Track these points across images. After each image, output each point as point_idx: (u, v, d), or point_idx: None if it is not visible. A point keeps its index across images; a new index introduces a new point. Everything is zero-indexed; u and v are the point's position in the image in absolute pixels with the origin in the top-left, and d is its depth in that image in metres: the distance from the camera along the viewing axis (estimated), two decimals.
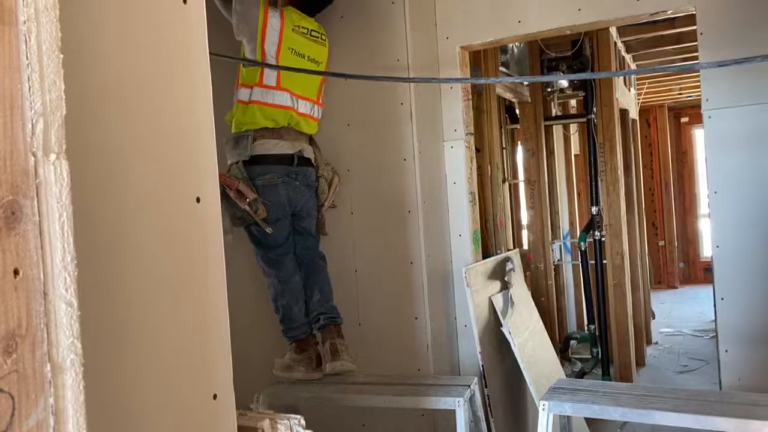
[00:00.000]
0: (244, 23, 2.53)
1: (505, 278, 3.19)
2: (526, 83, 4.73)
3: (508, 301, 3.06)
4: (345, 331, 2.67)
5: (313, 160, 2.76)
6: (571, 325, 5.82)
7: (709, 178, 2.57)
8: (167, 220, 0.98)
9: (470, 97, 3.17)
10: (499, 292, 3.13)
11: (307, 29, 2.69)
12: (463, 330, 3.03)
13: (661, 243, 8.80)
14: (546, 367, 3.17)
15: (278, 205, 2.57)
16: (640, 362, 5.32)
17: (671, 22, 4.87)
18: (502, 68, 4.30)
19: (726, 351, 2.49)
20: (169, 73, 1.00)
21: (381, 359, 2.84)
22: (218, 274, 1.06)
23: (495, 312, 3.01)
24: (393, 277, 2.88)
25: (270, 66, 2.53)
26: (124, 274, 0.90)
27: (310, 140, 2.79)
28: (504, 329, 2.93)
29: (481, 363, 2.79)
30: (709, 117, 2.52)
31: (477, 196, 3.22)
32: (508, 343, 2.92)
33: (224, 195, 2.40)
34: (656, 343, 6.05)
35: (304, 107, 2.67)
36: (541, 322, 3.42)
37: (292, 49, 2.61)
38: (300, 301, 2.66)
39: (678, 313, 7.25)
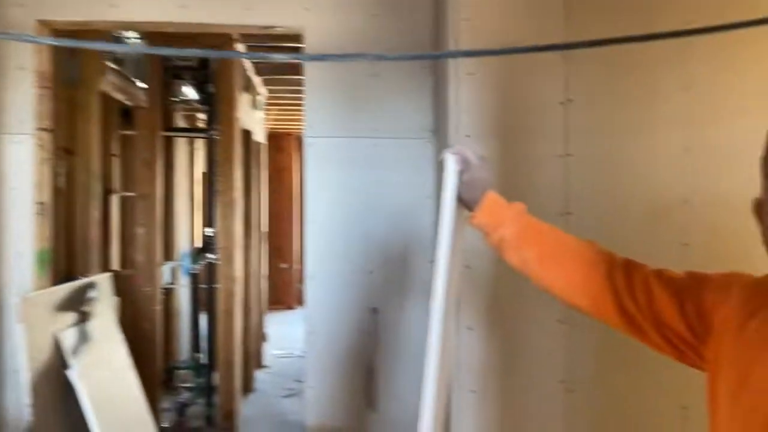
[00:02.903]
0: None
1: (84, 308, 2.67)
2: (143, 86, 4.26)
3: (84, 337, 2.55)
4: None
5: None
6: (184, 353, 5.45)
7: (308, 206, 2.50)
8: None
9: (50, 85, 2.60)
10: (72, 326, 2.59)
11: None
12: (13, 376, 2.41)
13: (284, 265, 9.06)
14: (128, 410, 2.73)
15: None
16: (249, 388, 5.22)
17: (297, 50, 4.95)
18: (113, 64, 3.77)
19: (311, 387, 2.42)
20: None
21: None
22: None
23: (63, 351, 2.47)
24: None
25: None
26: None
27: None
28: (70, 373, 2.41)
29: (29, 418, 2.23)
30: (311, 145, 2.46)
31: (53, 208, 2.64)
32: None
33: None
34: (268, 366, 6.06)
35: None
36: (128, 359, 2.97)
37: None
38: None
39: (292, 335, 7.46)
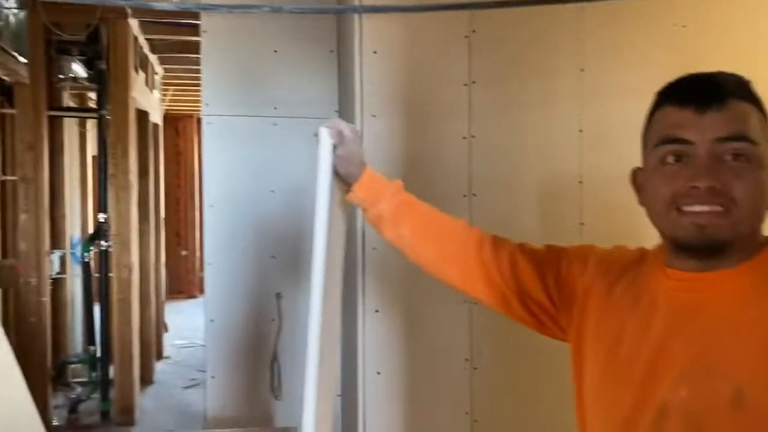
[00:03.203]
0: None
1: None
2: (24, 61, 3.93)
3: None
4: None
5: None
6: (77, 346, 5.15)
7: (206, 189, 2.39)
8: None
9: None
10: None
11: None
12: None
13: (184, 252, 8.75)
14: (12, 411, 2.52)
15: None
16: (148, 380, 5.02)
17: (195, 29, 4.74)
18: None
19: (213, 377, 2.33)
20: None
21: None
22: None
23: None
24: None
25: None
26: None
27: None
28: None
29: None
30: (209, 123, 2.34)
31: None
32: None
33: None
34: (168, 357, 5.85)
35: None
36: (10, 355, 2.75)
37: None
38: None
39: (194, 324, 7.22)
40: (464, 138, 2.13)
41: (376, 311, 2.08)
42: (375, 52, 2.07)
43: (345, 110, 2.36)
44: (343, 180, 1.27)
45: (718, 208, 0.85)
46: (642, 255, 1.05)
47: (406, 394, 2.12)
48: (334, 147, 1.22)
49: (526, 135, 2.15)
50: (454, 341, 2.13)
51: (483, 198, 2.13)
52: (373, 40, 2.06)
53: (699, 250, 0.88)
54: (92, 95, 5.27)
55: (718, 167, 0.86)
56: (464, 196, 2.13)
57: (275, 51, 2.39)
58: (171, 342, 6.23)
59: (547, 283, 1.12)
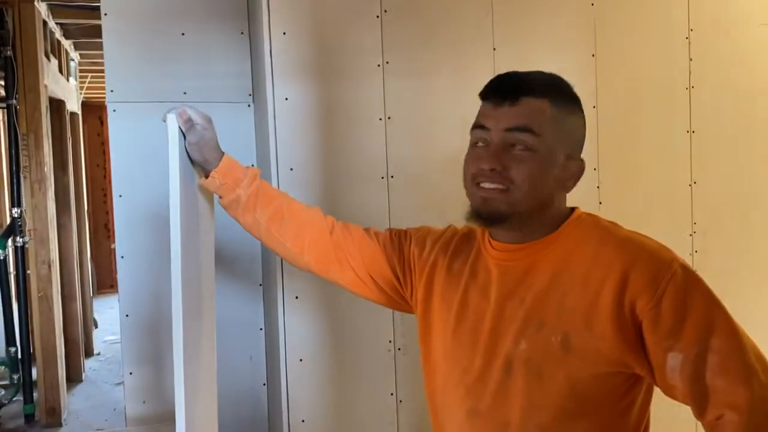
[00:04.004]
0: None
1: None
2: None
3: None
4: None
5: None
6: None
7: (114, 178, 2.29)
8: None
9: None
10: None
11: None
12: None
13: (114, 245, 8.46)
14: None
15: None
16: (76, 379, 4.86)
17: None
18: None
19: (131, 374, 2.25)
20: None
21: None
22: None
23: None
24: None
25: None
26: None
27: None
28: None
29: None
30: (114, 110, 2.24)
31: None
32: None
33: None
34: (99, 354, 5.67)
35: None
36: None
37: None
38: None
39: None
40: (380, 119, 2.11)
41: (296, 297, 2.05)
42: (284, 33, 2.02)
43: (258, 93, 2.30)
44: (201, 167, 1.30)
45: (500, 186, 1.03)
46: (470, 231, 1.23)
47: (331, 379, 2.11)
48: (183, 134, 1.23)
49: (440, 114, 2.15)
50: (376, 324, 2.12)
51: (400, 179, 2.12)
52: (283, 20, 2.01)
53: (483, 218, 1.06)
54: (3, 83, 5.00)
55: (504, 153, 1.04)
56: (382, 178, 2.12)
57: (182, 34, 2.30)
58: (102, 338, 6.04)
59: (392, 263, 1.28)
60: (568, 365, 0.99)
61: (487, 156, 1.04)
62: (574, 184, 1.10)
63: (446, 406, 1.14)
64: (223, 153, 1.29)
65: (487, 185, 1.04)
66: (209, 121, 1.28)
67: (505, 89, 1.06)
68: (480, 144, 1.08)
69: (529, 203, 1.04)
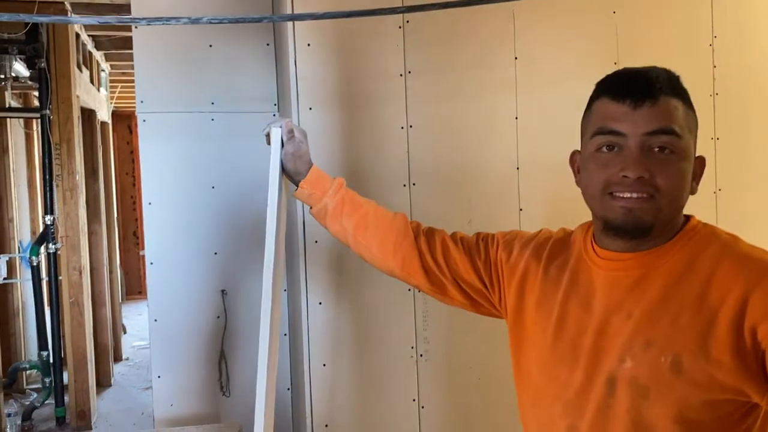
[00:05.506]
0: None
1: None
2: None
3: None
4: None
5: None
6: (32, 353, 5.03)
7: (145, 187, 2.35)
8: None
9: None
10: None
11: None
12: None
13: (143, 252, 8.61)
14: None
15: None
16: (105, 383, 4.95)
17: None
18: None
19: (159, 377, 2.30)
20: None
21: None
22: None
23: None
24: None
25: None
26: None
27: None
28: None
29: None
30: (144, 120, 2.31)
31: None
32: None
33: None
34: (127, 359, 5.76)
35: None
36: None
37: None
38: None
39: None
40: (402, 128, 2.14)
41: (320, 303, 2.09)
42: (309, 45, 2.06)
43: (283, 104, 2.35)
44: (289, 177, 1.36)
45: (645, 195, 0.94)
46: (567, 235, 1.15)
47: (353, 384, 2.13)
48: (283, 145, 1.31)
49: (462, 122, 2.17)
50: (398, 329, 2.15)
51: (422, 187, 2.15)
52: (307, 32, 2.05)
53: (627, 230, 0.97)
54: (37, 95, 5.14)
55: (647, 158, 0.94)
56: (404, 185, 2.15)
57: (210, 46, 2.36)
58: (130, 344, 6.14)
59: (477, 267, 1.24)
60: (678, 389, 0.91)
61: (631, 163, 0.94)
62: (698, 185, 1.02)
63: (538, 419, 1.08)
64: (312, 164, 1.35)
65: (627, 195, 0.95)
66: (305, 135, 1.36)
67: (641, 88, 0.95)
68: (605, 149, 0.98)
69: (672, 210, 0.97)
